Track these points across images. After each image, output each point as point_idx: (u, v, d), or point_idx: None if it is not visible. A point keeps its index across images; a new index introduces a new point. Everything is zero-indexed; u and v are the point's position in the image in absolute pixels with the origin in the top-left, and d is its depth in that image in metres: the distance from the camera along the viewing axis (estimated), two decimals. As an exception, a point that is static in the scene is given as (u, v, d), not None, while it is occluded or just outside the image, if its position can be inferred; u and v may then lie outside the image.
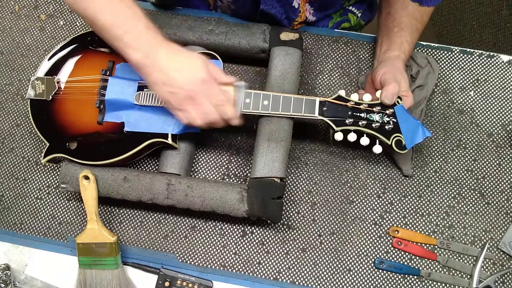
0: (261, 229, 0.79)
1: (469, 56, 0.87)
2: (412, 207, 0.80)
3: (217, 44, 0.80)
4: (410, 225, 0.79)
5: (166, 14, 0.88)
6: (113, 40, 0.64)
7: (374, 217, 0.79)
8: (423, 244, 0.78)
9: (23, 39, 0.91)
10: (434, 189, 0.80)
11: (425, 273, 0.76)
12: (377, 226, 0.79)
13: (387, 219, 0.79)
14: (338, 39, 0.88)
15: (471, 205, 0.80)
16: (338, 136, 0.70)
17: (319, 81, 0.86)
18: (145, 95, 0.73)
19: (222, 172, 0.82)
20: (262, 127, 0.74)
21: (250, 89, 0.71)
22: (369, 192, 0.80)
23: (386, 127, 0.69)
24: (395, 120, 0.69)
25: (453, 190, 0.80)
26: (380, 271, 0.77)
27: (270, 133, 0.73)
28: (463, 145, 0.82)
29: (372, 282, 0.76)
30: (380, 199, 0.80)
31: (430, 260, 0.77)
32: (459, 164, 0.82)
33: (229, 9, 0.88)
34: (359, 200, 0.80)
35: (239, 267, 0.77)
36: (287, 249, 0.78)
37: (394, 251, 0.78)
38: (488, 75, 0.86)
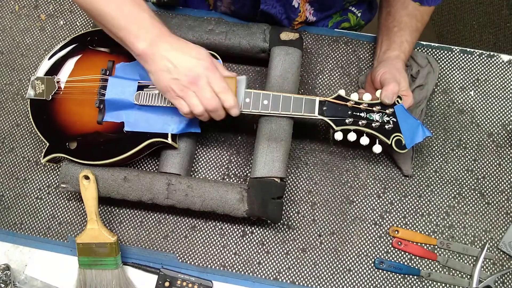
0: (261, 229, 0.79)
1: (469, 56, 0.87)
2: (412, 207, 0.80)
3: (217, 44, 0.80)
4: (410, 225, 0.79)
5: (166, 14, 0.88)
6: (117, 31, 0.65)
7: (374, 217, 0.79)
8: (423, 244, 0.78)
9: (23, 39, 0.91)
10: (434, 189, 0.80)
11: (425, 273, 0.76)
12: (377, 226, 0.79)
13: (387, 219, 0.79)
14: (338, 39, 0.88)
15: (471, 205, 0.80)
16: (338, 136, 0.70)
17: (319, 81, 0.86)
18: (145, 95, 0.73)
19: (222, 172, 0.82)
20: (262, 127, 0.74)
21: (250, 89, 0.71)
22: (369, 192, 0.80)
23: (386, 126, 0.69)
24: (395, 120, 0.69)
25: (453, 190, 0.80)
26: (380, 271, 0.77)
27: (270, 133, 0.73)
28: (463, 145, 0.82)
29: (372, 282, 0.76)
30: (380, 199, 0.80)
31: (430, 260, 0.77)
32: (459, 164, 0.82)
33: (229, 9, 0.88)
34: (359, 200, 0.80)
35: (239, 267, 0.77)
36: (287, 249, 0.78)
37: (394, 251, 0.78)
38: (488, 75, 0.86)
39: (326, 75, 0.86)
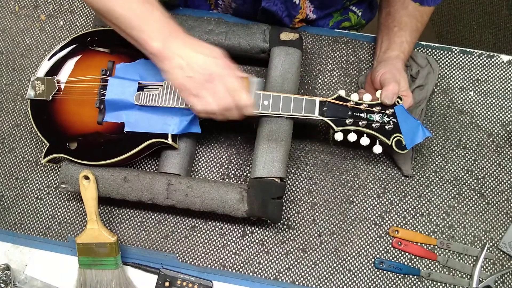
0: (261, 229, 0.79)
1: (469, 56, 0.87)
2: (412, 207, 0.80)
3: (217, 44, 0.80)
4: (410, 225, 0.79)
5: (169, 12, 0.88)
6: (132, 31, 0.64)
7: (374, 217, 0.79)
8: (423, 244, 0.78)
9: (23, 39, 0.91)
10: (434, 189, 0.80)
11: (425, 273, 0.76)
12: (377, 226, 0.79)
13: (387, 219, 0.79)
14: (338, 39, 0.88)
15: (471, 205, 0.80)
16: (338, 136, 0.70)
17: (319, 81, 0.86)
18: (145, 95, 0.73)
19: (222, 172, 0.82)
20: (262, 127, 0.74)
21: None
22: (369, 192, 0.80)
23: (386, 127, 0.69)
24: (395, 120, 0.69)
25: (453, 190, 0.80)
26: (380, 271, 0.77)
27: (270, 133, 0.73)
28: (463, 145, 0.82)
29: (372, 282, 0.76)
30: (380, 199, 0.80)
31: (430, 260, 0.77)
32: (459, 164, 0.82)
33: (230, 8, 0.88)
34: (359, 200, 0.80)
35: (239, 267, 0.77)
36: (287, 249, 0.78)
37: (394, 251, 0.78)
38: (488, 75, 0.86)
39: (326, 76, 0.86)
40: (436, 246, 0.78)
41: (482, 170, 0.81)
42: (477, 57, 0.87)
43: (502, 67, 0.87)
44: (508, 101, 0.85)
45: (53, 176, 0.83)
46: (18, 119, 0.86)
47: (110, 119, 0.75)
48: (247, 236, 0.79)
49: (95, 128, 0.75)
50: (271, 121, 0.74)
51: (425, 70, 0.83)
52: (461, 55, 0.87)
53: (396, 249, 0.78)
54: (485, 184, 0.81)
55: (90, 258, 0.74)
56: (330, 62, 0.87)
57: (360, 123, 0.69)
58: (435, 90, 0.85)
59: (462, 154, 0.82)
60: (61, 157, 0.75)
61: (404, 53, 0.77)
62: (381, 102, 0.70)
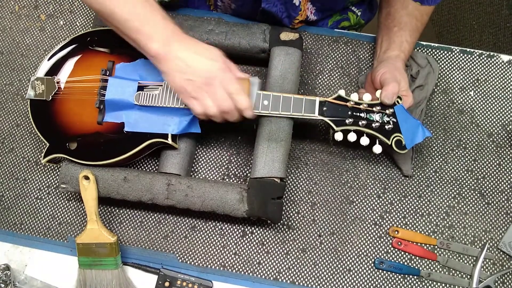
0: (261, 229, 0.79)
1: (469, 56, 0.87)
2: (412, 207, 0.80)
3: (217, 44, 0.80)
4: (410, 225, 0.79)
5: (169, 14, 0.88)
6: (131, 33, 0.65)
7: (374, 217, 0.79)
8: (423, 244, 0.78)
9: (23, 39, 0.91)
10: (434, 189, 0.80)
11: (425, 273, 0.76)
12: (377, 226, 0.79)
13: (387, 219, 0.79)
14: (338, 39, 0.88)
15: (471, 205, 0.80)
16: (338, 136, 0.70)
17: (319, 81, 0.86)
18: (145, 95, 0.73)
19: (222, 172, 0.82)
20: (262, 127, 0.74)
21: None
22: (369, 192, 0.80)
23: (386, 127, 0.69)
24: (395, 120, 0.69)
25: (453, 190, 0.80)
26: (380, 271, 0.77)
27: (270, 133, 0.73)
28: (463, 145, 0.82)
29: (372, 282, 0.76)
30: (380, 199, 0.80)
31: (430, 260, 0.77)
32: (459, 164, 0.82)
33: (230, 8, 0.88)
34: (359, 200, 0.80)
35: (239, 267, 0.77)
36: (287, 249, 0.78)
37: (394, 251, 0.78)
38: (488, 75, 0.86)
39: (326, 75, 0.86)
40: (436, 246, 0.78)
41: (482, 170, 0.81)
42: (477, 57, 0.87)
43: (502, 67, 0.86)
44: (508, 101, 0.85)
45: (53, 176, 0.83)
46: (18, 119, 0.86)
47: (110, 119, 0.75)
48: (247, 236, 0.79)
49: (95, 128, 0.75)
50: (271, 121, 0.74)
51: (425, 70, 0.83)
52: (461, 55, 0.87)
53: (396, 249, 0.78)
54: (485, 184, 0.81)
55: (90, 258, 0.74)
56: (330, 62, 0.87)
57: (360, 123, 0.69)
58: (435, 90, 0.85)
59: (462, 154, 0.82)
60: (61, 157, 0.75)
61: (404, 53, 0.77)
62: (381, 102, 0.70)
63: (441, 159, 0.82)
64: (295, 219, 0.79)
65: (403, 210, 0.80)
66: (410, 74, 0.83)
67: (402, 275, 0.77)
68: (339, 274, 0.77)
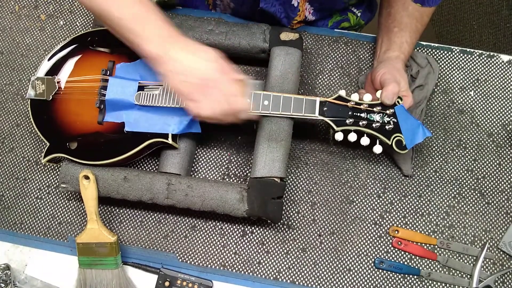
0: (261, 229, 0.79)
1: (469, 56, 0.87)
2: (412, 207, 0.80)
3: (217, 44, 0.80)
4: (410, 225, 0.79)
5: (166, 14, 0.88)
6: (127, 34, 0.64)
7: (374, 217, 0.79)
8: (423, 244, 0.78)
9: (23, 39, 0.91)
10: (434, 189, 0.80)
11: (425, 273, 0.76)
12: (377, 226, 0.79)
13: (387, 219, 0.79)
14: (338, 39, 0.88)
15: (471, 205, 0.80)
16: (339, 136, 0.70)
17: (319, 81, 0.86)
18: (145, 95, 0.73)
19: (222, 172, 0.82)
20: (262, 127, 0.74)
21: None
22: (369, 192, 0.80)
23: (387, 127, 0.69)
24: (395, 120, 0.69)
25: (453, 190, 0.80)
26: (380, 271, 0.77)
27: (270, 133, 0.73)
28: (463, 145, 0.83)
29: (372, 282, 0.76)
30: (380, 199, 0.80)
31: (430, 260, 0.77)
32: (459, 164, 0.82)
33: (229, 8, 0.88)
34: (359, 200, 0.80)
35: (239, 267, 0.77)
36: (287, 249, 0.78)
37: (394, 251, 0.78)
38: (488, 75, 0.86)
39: (326, 76, 0.86)
40: (436, 246, 0.78)
41: (482, 170, 0.81)
42: (477, 57, 0.87)
43: (502, 67, 0.87)
44: (508, 101, 0.85)
45: (53, 176, 0.83)
46: (18, 119, 0.86)
47: (110, 119, 0.75)
48: (247, 236, 0.79)
49: (95, 128, 0.75)
50: (271, 121, 0.74)
51: (425, 70, 0.83)
52: (461, 55, 0.87)
53: (396, 249, 0.78)
54: (485, 184, 0.81)
55: (90, 258, 0.74)
56: (330, 62, 0.87)
57: (360, 123, 0.69)
58: (435, 90, 0.85)
59: (462, 154, 0.82)
60: (61, 157, 0.75)
61: (404, 54, 0.77)
62: (381, 102, 0.70)
63: (441, 159, 0.82)
64: (295, 219, 0.79)
65: (403, 210, 0.80)
66: (410, 74, 0.83)
67: (402, 275, 0.77)
68: (339, 274, 0.77)
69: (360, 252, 0.78)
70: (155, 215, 0.80)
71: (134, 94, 0.73)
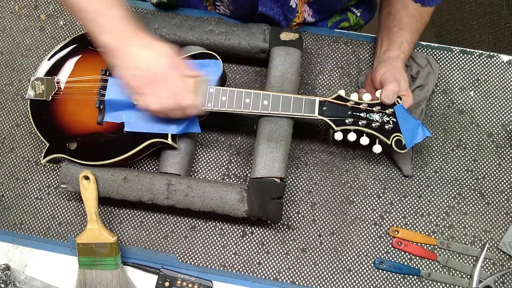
0: (261, 229, 0.79)
1: (469, 56, 0.87)
2: (412, 207, 0.80)
3: (217, 44, 0.80)
4: (410, 225, 0.79)
5: (166, 14, 0.88)
6: (86, 23, 0.67)
7: (374, 217, 0.79)
8: (423, 244, 0.78)
9: (23, 39, 0.91)
10: (434, 189, 0.80)
11: (425, 273, 0.76)
12: (377, 226, 0.79)
13: (387, 219, 0.79)
14: (338, 39, 0.88)
15: (471, 205, 0.80)
16: (338, 136, 0.70)
17: (319, 81, 0.86)
18: (145, 95, 0.73)
19: (222, 172, 0.82)
20: (262, 127, 0.74)
21: (250, 89, 0.71)
22: (369, 192, 0.80)
23: (386, 126, 0.69)
24: (395, 120, 0.69)
25: (453, 190, 0.80)
26: (380, 271, 0.77)
27: (270, 133, 0.73)
28: (463, 145, 0.82)
29: (372, 282, 0.76)
30: (380, 199, 0.80)
31: (430, 260, 0.77)
32: (459, 164, 0.82)
33: (228, 10, 0.88)
34: (359, 200, 0.80)
35: (239, 267, 0.77)
36: (287, 249, 0.78)
37: (394, 251, 0.78)
38: (488, 75, 0.86)
39: (326, 76, 0.86)
40: (436, 246, 0.78)
41: (482, 170, 0.81)
42: (477, 57, 0.87)
43: (502, 67, 0.86)
44: (508, 101, 0.85)
45: (53, 176, 0.83)
46: (18, 119, 0.86)
47: (110, 119, 0.75)
48: (247, 236, 0.79)
49: (95, 128, 0.75)
50: (271, 121, 0.74)
51: (425, 70, 0.83)
52: (461, 55, 0.87)
53: (396, 249, 0.78)
54: (485, 184, 0.81)
55: (90, 258, 0.74)
56: (330, 62, 0.87)
57: (359, 123, 0.69)
58: (435, 90, 0.85)
59: (462, 154, 0.82)
60: (61, 157, 0.75)
61: (404, 53, 0.77)
62: (381, 101, 0.70)
63: (441, 159, 0.82)
64: (295, 219, 0.79)
65: (403, 210, 0.80)
66: (410, 74, 0.83)
67: (402, 275, 0.77)
68: (339, 274, 0.77)
69: (360, 253, 0.78)
70: (155, 215, 0.80)
71: (134, 94, 0.73)
